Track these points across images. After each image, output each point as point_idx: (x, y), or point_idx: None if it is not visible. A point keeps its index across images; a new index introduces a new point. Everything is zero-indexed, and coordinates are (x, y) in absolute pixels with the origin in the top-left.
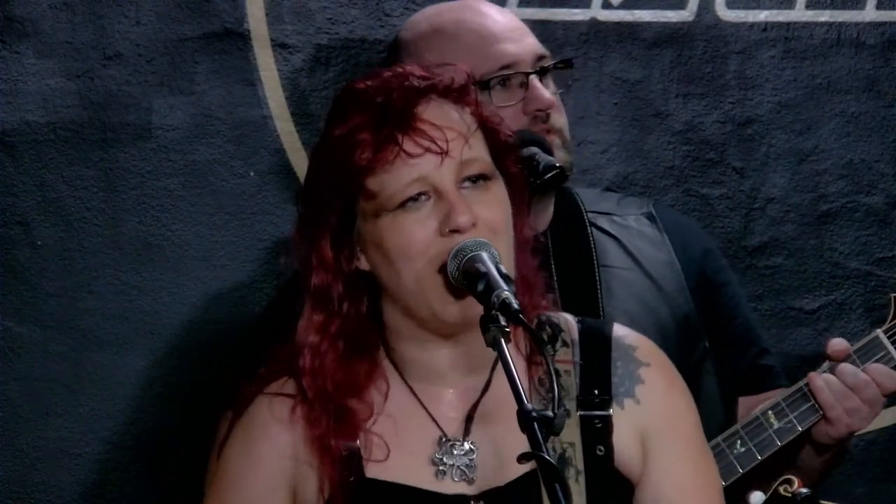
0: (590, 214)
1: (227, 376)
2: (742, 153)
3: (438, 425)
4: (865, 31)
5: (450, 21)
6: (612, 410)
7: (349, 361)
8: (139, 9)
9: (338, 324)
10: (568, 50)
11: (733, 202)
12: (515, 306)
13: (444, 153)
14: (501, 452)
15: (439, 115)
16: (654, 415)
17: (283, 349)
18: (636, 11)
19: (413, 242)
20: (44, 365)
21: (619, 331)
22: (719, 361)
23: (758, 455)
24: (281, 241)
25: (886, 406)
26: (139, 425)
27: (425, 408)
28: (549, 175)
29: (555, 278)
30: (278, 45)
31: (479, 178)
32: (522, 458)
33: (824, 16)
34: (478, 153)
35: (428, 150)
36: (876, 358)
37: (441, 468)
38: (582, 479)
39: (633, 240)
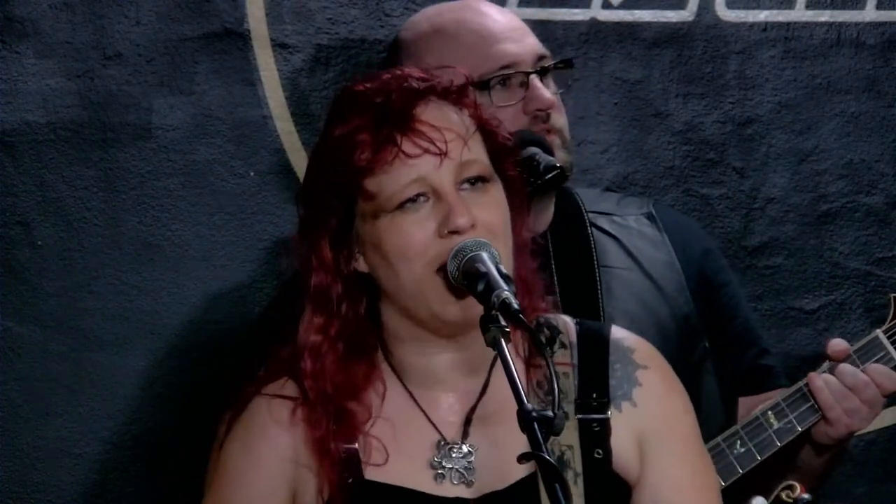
0: (590, 214)
1: (227, 376)
2: (742, 153)
3: (437, 429)
4: (865, 31)
5: (450, 21)
6: (609, 413)
7: (348, 363)
8: (139, 9)
9: (337, 325)
10: (568, 50)
11: (733, 202)
12: (516, 306)
13: (442, 154)
14: (500, 455)
15: (438, 116)
16: (652, 418)
17: (283, 350)
18: (636, 11)
19: (412, 244)
20: (44, 365)
21: (617, 333)
22: (719, 361)
23: (757, 455)
24: (281, 241)
25: (886, 406)
26: (139, 425)
27: (423, 411)
28: (550, 175)
29: (555, 279)
30: (278, 45)
31: (477, 180)
32: (522, 458)
33: (824, 16)
34: (476, 155)
35: (427, 151)
36: (876, 358)
37: (440, 471)
38: (580, 481)
39: (633, 240)
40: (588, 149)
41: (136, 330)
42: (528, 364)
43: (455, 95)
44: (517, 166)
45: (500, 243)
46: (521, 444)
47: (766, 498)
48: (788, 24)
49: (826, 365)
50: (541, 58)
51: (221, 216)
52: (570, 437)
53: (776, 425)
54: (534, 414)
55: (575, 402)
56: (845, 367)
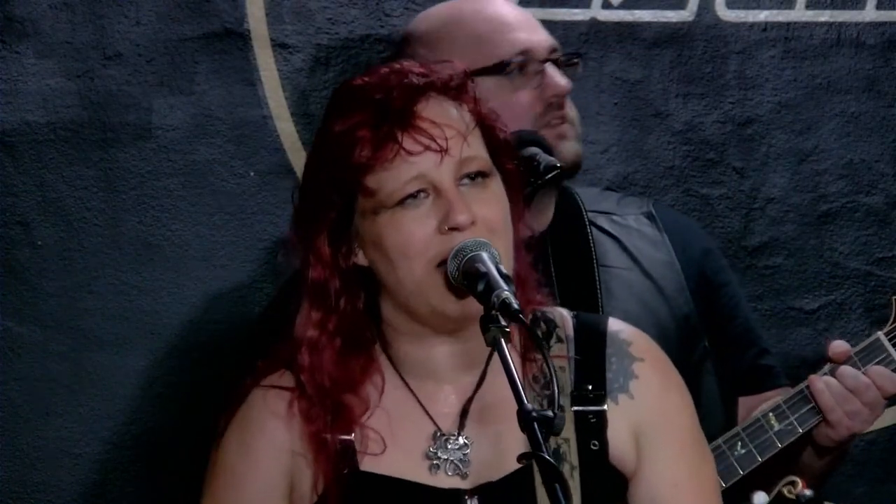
0: (590, 214)
1: (227, 376)
2: (742, 153)
3: (433, 420)
4: (865, 31)
5: (466, 10)
6: (606, 406)
7: (346, 357)
8: (139, 9)
9: (335, 320)
10: (568, 50)
11: (733, 202)
12: (516, 306)
13: (443, 151)
14: (496, 447)
15: (439, 112)
16: (649, 410)
17: (281, 344)
18: (636, 11)
19: (412, 241)
20: (44, 365)
21: (614, 325)
22: (719, 361)
23: (758, 457)
24: (281, 241)
25: (887, 406)
26: (139, 425)
27: (420, 403)
28: (550, 175)
29: (554, 278)
30: (278, 45)
31: (477, 176)
32: (522, 459)
33: (824, 16)
34: (476, 151)
35: (427, 147)
36: (877, 360)
37: (435, 462)
38: (577, 474)
39: (632, 240)
40: (588, 149)
41: (136, 330)
42: (525, 358)
43: (455, 91)
44: (517, 163)
45: (499, 239)
46: (518, 436)
47: (768, 493)
48: (788, 24)
49: (827, 367)
50: (553, 50)
51: (221, 216)
52: (566, 429)
53: (777, 427)
54: (534, 414)
55: (571, 394)
56: (846, 370)
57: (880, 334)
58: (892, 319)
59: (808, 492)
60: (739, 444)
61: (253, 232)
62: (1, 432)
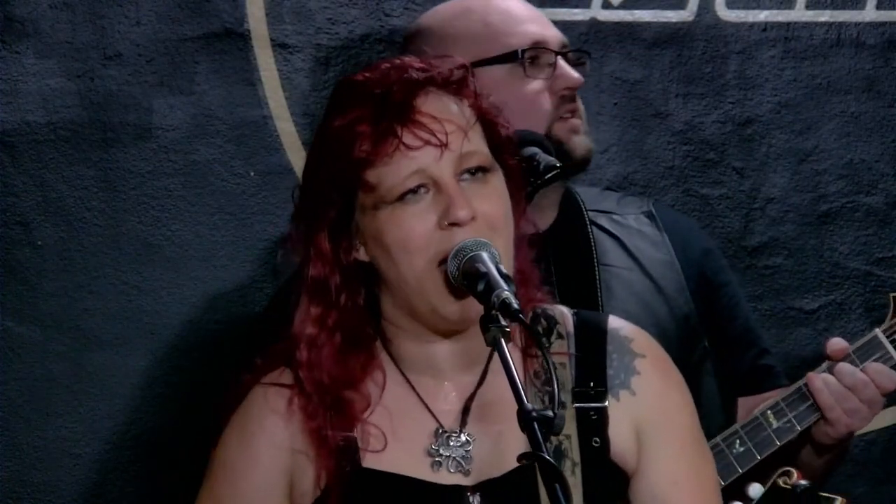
0: (590, 213)
1: (227, 376)
2: (742, 153)
3: (435, 417)
4: (865, 31)
5: (477, 4)
6: (607, 402)
7: (346, 354)
8: (139, 9)
9: (335, 316)
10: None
11: (733, 202)
12: (516, 306)
13: (443, 146)
14: (498, 444)
15: (439, 107)
16: (650, 406)
17: (281, 342)
18: (636, 11)
19: (412, 236)
20: (44, 365)
21: (615, 322)
22: (719, 362)
23: (757, 455)
24: (281, 239)
25: (886, 406)
26: (139, 425)
27: (422, 400)
28: (550, 175)
29: (554, 277)
30: (278, 45)
31: (478, 171)
32: (522, 459)
33: (824, 16)
34: (477, 146)
35: (427, 142)
36: (875, 357)
37: (437, 459)
38: (578, 471)
39: (633, 239)
40: None
41: (136, 330)
42: (525, 354)
43: (455, 86)
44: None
45: (500, 235)
46: (520, 433)
47: (763, 484)
48: (788, 24)
49: (825, 364)
50: (564, 45)
51: (221, 216)
52: (567, 426)
53: (775, 425)
54: (534, 414)
55: (572, 390)
56: (844, 367)
57: (878, 331)
58: (889, 317)
59: (803, 482)
60: (738, 442)
61: (253, 232)
62: (1, 432)
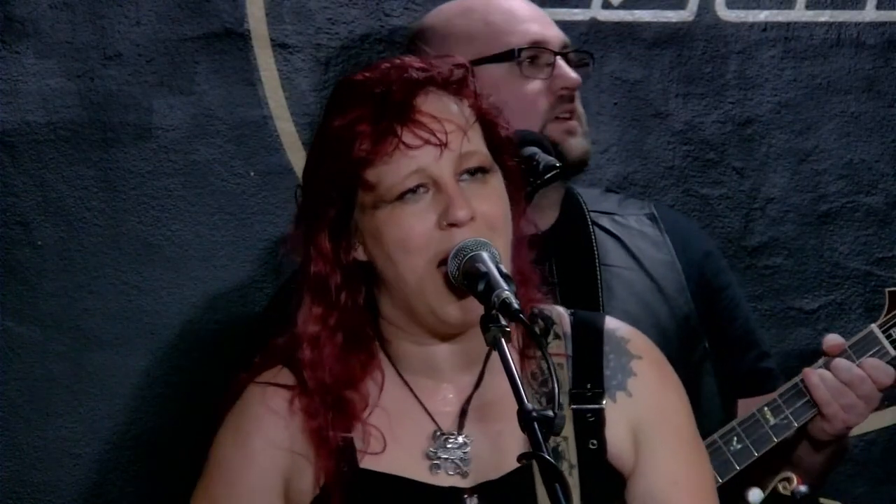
0: (592, 214)
1: (227, 376)
2: (742, 153)
3: (433, 419)
4: (865, 31)
5: (479, 3)
6: (604, 404)
7: (347, 354)
8: (139, 9)
9: (336, 316)
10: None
11: (733, 202)
12: (516, 306)
13: (443, 145)
14: (495, 446)
15: (438, 107)
16: (647, 408)
17: (279, 340)
18: (636, 11)
19: (412, 236)
20: (44, 365)
21: (612, 323)
22: (719, 363)
23: (754, 452)
24: (282, 238)
25: (886, 406)
26: (139, 425)
27: (420, 401)
28: (549, 175)
29: (556, 277)
30: (278, 45)
31: (477, 171)
32: (522, 458)
33: (824, 16)
34: (476, 146)
35: (427, 142)
36: (871, 353)
37: (435, 462)
38: (575, 472)
39: (634, 240)
40: None
41: (136, 330)
42: (523, 355)
43: (455, 86)
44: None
45: (499, 236)
46: (517, 435)
47: (763, 490)
48: (788, 24)
49: (821, 360)
50: (565, 46)
51: (221, 216)
52: (565, 428)
53: (772, 421)
54: (534, 414)
55: (569, 392)
56: (840, 363)
57: (874, 326)
58: (885, 312)
59: (802, 488)
60: (735, 439)
61: (253, 232)
62: (1, 432)
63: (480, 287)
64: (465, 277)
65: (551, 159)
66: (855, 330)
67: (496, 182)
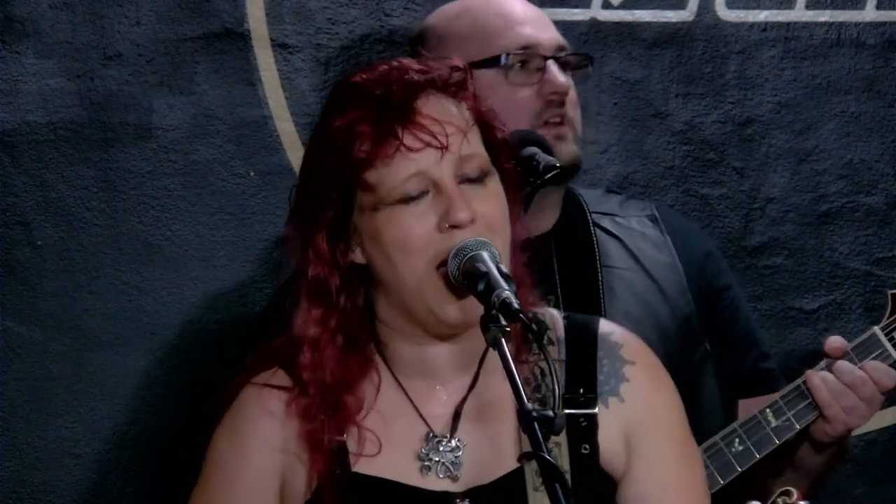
0: (593, 215)
1: (227, 377)
2: (742, 153)
3: (426, 421)
4: (865, 31)
5: (477, 4)
6: (597, 409)
7: (347, 355)
8: (139, 9)
9: (336, 318)
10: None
11: (733, 202)
12: (516, 306)
13: (444, 148)
14: (488, 450)
15: (439, 109)
16: (639, 414)
17: (275, 341)
18: (636, 11)
19: (412, 237)
20: (44, 365)
21: (605, 328)
22: (719, 364)
23: (756, 453)
24: (279, 239)
25: (886, 406)
26: (139, 425)
27: (413, 404)
28: (549, 175)
29: (557, 278)
30: (278, 45)
31: (478, 179)
32: (522, 458)
33: (824, 16)
34: (476, 148)
35: (428, 144)
36: (873, 355)
37: (426, 464)
38: (568, 478)
39: (635, 241)
40: (588, 149)
41: (136, 330)
42: (516, 360)
43: (454, 88)
44: (516, 164)
45: (498, 237)
46: (510, 439)
47: (763, 503)
48: (788, 24)
49: (823, 362)
50: (560, 49)
51: (221, 216)
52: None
53: (774, 423)
54: (534, 414)
55: (563, 397)
56: (843, 365)
57: (876, 329)
58: (888, 314)
59: (803, 502)
60: (737, 440)
61: (253, 232)
62: (1, 432)
63: (480, 287)
64: (465, 277)
65: (552, 159)
66: (855, 330)
67: (494, 184)
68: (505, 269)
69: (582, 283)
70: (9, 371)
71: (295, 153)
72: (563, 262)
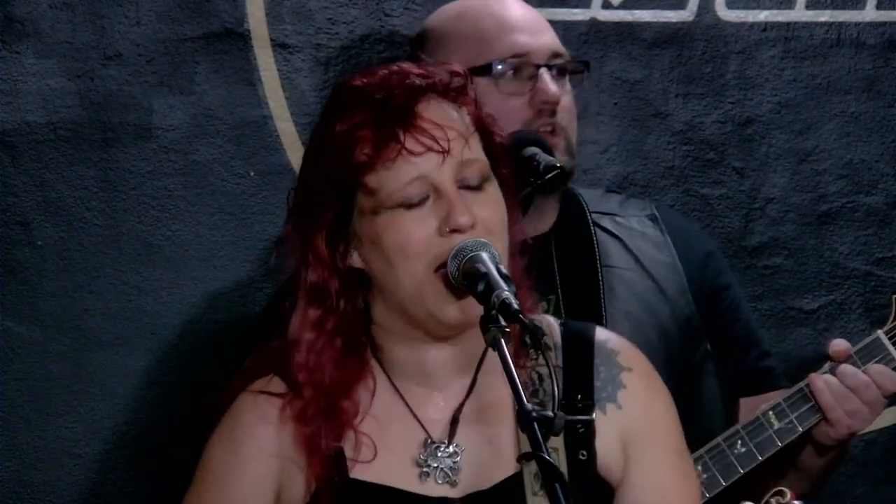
0: (593, 215)
1: (227, 377)
2: (742, 153)
3: (423, 427)
4: (865, 31)
5: (475, 7)
6: (594, 415)
7: (345, 359)
8: (139, 9)
9: (334, 321)
10: (568, 50)
11: (733, 202)
12: (516, 306)
13: (445, 152)
14: (486, 454)
15: (440, 114)
16: (636, 420)
17: (269, 345)
18: (636, 11)
19: (412, 241)
20: (44, 365)
21: (602, 335)
22: (720, 363)
23: (758, 455)
24: (277, 242)
25: (886, 406)
26: (139, 425)
27: (411, 409)
28: (550, 175)
29: (557, 278)
30: (278, 45)
31: (478, 186)
32: (523, 459)
33: (824, 16)
34: (476, 153)
35: (430, 148)
36: (877, 359)
37: (425, 470)
38: None
39: (635, 241)
40: (588, 149)
41: (136, 330)
42: (514, 364)
43: (454, 93)
44: (517, 166)
45: (498, 240)
46: (509, 442)
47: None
48: (788, 24)
49: (827, 365)
50: (555, 55)
51: (221, 216)
52: (555, 439)
53: (777, 425)
54: (534, 414)
55: (560, 403)
56: (846, 368)
57: (880, 333)
58: (892, 318)
59: (797, 502)
60: (739, 442)
61: (253, 232)
62: (1, 432)
63: (480, 287)
64: (465, 278)
65: (552, 159)
66: (855, 330)
67: (494, 190)
68: (504, 269)
69: (582, 282)
70: (9, 371)
71: (295, 153)
72: (563, 262)
